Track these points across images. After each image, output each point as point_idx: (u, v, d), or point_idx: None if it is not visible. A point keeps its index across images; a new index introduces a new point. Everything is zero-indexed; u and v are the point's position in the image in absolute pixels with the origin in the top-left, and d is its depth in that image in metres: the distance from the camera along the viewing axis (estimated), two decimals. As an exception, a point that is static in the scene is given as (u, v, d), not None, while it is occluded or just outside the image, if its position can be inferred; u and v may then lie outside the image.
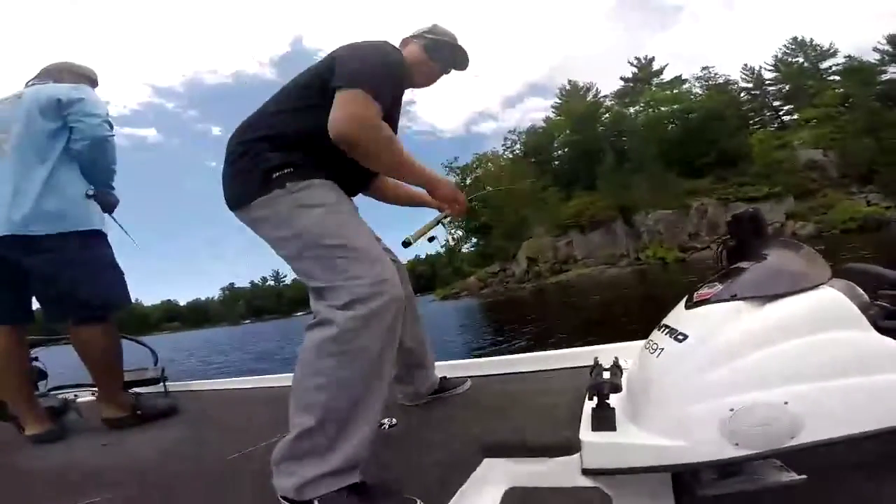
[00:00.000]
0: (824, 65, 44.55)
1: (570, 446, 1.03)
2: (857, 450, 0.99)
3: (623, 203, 36.51)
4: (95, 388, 2.33)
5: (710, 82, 44.88)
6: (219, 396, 2.46)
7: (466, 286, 43.17)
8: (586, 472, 1.00)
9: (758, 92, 47.35)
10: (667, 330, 1.05)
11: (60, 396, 2.45)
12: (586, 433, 1.03)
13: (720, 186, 35.71)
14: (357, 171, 1.18)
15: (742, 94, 46.62)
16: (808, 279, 0.94)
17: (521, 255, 38.98)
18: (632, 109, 46.02)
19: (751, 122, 44.52)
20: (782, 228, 32.13)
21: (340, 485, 0.91)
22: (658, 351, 1.03)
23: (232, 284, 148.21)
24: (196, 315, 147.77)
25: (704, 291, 1.04)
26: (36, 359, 2.76)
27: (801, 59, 45.89)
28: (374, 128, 1.03)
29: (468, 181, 48.60)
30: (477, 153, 53.90)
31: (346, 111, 1.00)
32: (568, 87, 51.07)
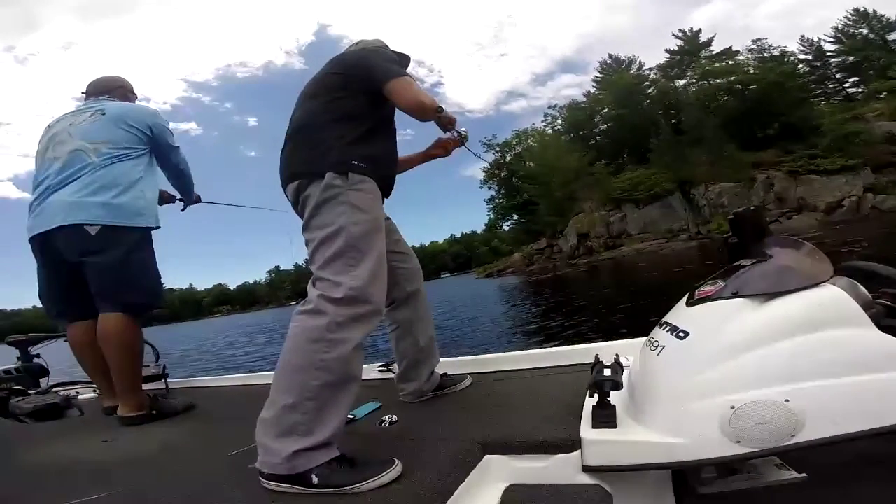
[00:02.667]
0: (892, 36, 40.71)
1: (571, 443, 1.03)
2: (858, 448, 0.96)
3: (681, 176, 34.61)
4: (96, 385, 2.44)
5: (765, 54, 41.27)
6: (219, 393, 2.50)
7: (511, 263, 42.19)
8: (587, 469, 1.00)
9: (818, 64, 43.65)
10: (668, 327, 1.04)
11: (62, 393, 2.60)
12: (587, 430, 1.03)
13: (788, 159, 33.11)
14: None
15: (800, 66, 42.80)
16: (809, 277, 0.91)
17: (571, 230, 37.40)
18: (680, 82, 43.36)
19: (811, 94, 40.94)
20: (860, 202, 29.58)
21: (328, 457, 1.00)
22: (659, 348, 1.02)
23: (277, 267, 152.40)
24: (245, 298, 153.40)
25: (706, 289, 1.02)
26: (37, 356, 3.00)
27: (865, 31, 42.03)
28: (425, 94, 1.29)
29: (508, 158, 47.79)
30: (516, 130, 52.83)
31: (410, 92, 1.27)
32: (609, 61, 48.66)
